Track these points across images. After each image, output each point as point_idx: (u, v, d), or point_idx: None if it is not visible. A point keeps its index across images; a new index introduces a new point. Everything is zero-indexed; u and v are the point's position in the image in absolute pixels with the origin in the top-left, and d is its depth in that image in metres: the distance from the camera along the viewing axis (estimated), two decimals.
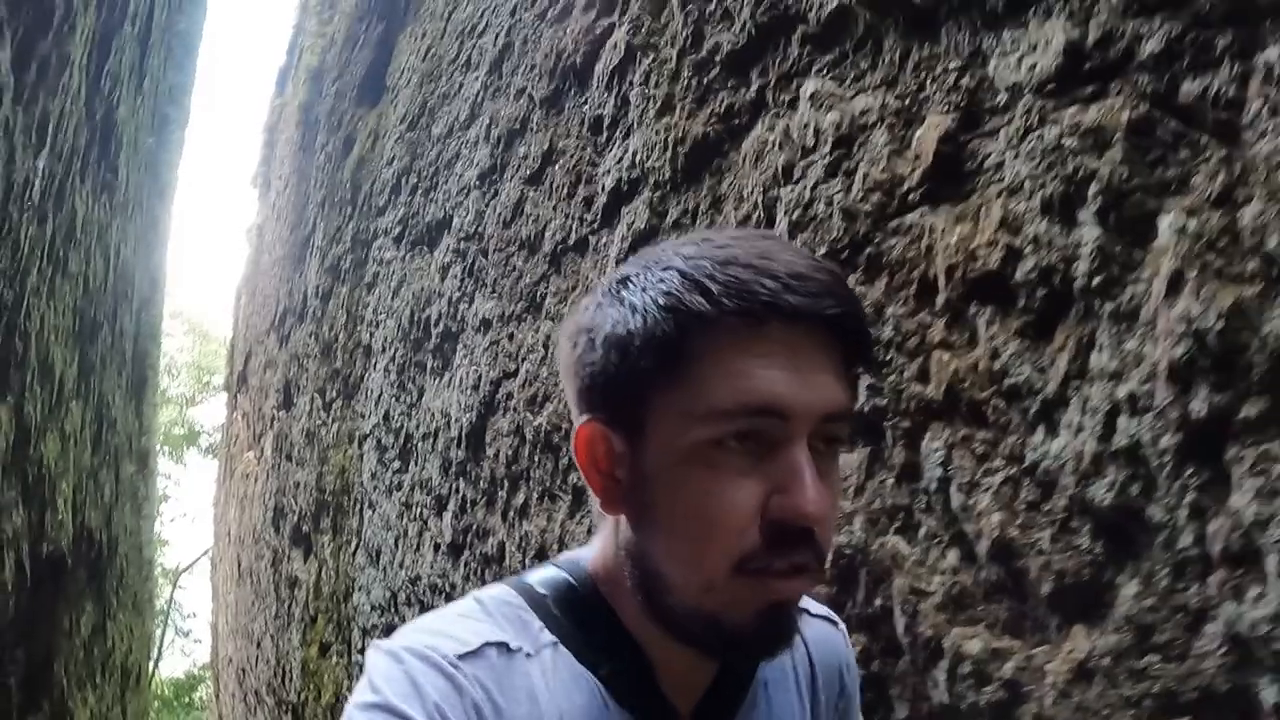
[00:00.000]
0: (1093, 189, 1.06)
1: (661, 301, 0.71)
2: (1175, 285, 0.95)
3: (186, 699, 16.72)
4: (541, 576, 0.84)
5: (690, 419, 0.71)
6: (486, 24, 3.50)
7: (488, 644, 0.74)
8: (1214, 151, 0.93)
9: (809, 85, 1.60)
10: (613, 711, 0.76)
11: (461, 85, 3.67)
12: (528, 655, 0.75)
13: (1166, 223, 0.96)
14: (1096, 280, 1.06)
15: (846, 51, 1.53)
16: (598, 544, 0.84)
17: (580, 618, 0.79)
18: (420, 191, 4.01)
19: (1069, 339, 1.09)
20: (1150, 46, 1.01)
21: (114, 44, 5.78)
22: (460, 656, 0.72)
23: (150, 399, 8.66)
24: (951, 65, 1.31)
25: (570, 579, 0.82)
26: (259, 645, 6.79)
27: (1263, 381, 0.87)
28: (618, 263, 2.28)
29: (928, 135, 1.32)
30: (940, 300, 1.30)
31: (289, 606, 5.95)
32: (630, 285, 0.75)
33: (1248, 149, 0.90)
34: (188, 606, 19.29)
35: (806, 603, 0.94)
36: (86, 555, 6.12)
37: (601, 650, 0.78)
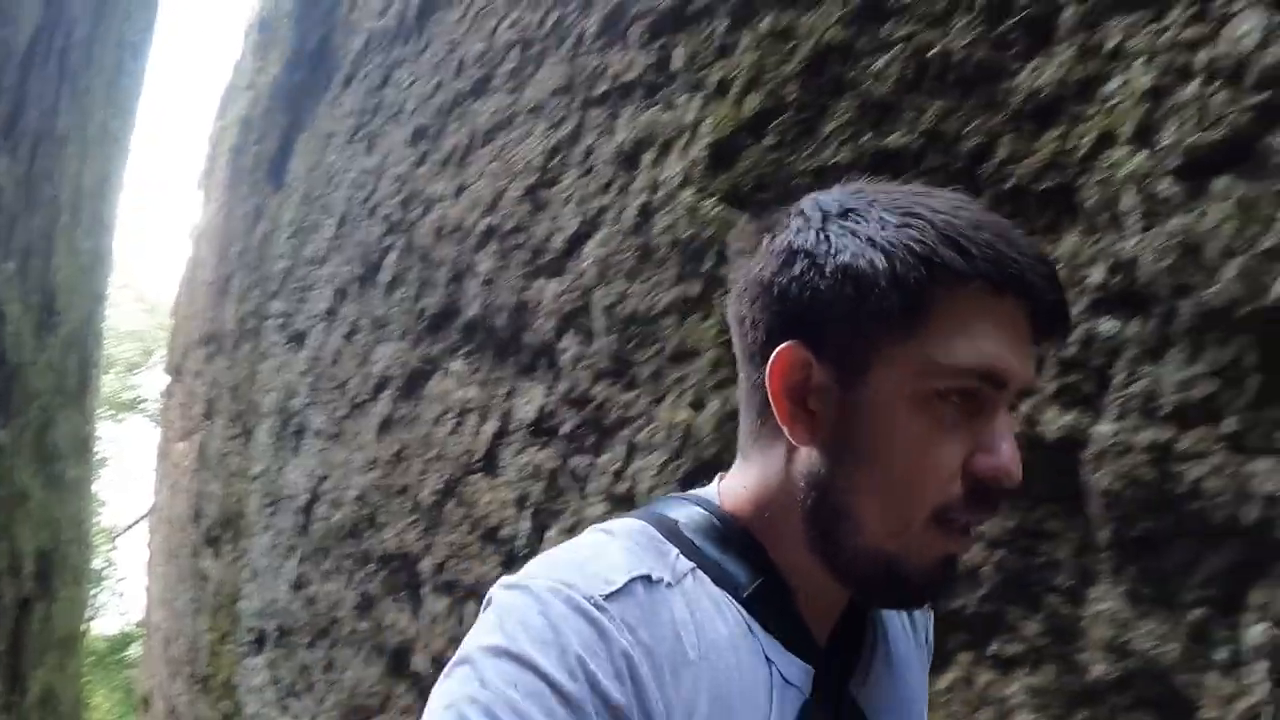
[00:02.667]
0: None
1: (915, 248, 0.71)
2: None
3: (119, 656, 17.29)
4: (670, 506, 0.82)
5: (925, 369, 0.71)
6: (337, 185, 4.56)
7: (633, 579, 0.70)
8: None
9: None
10: (757, 635, 0.74)
11: (320, 226, 4.73)
12: (669, 585, 0.72)
13: None
14: None
15: None
16: (743, 480, 0.81)
17: (718, 543, 0.77)
18: (295, 296, 5.07)
19: None
20: None
21: None
22: (606, 597, 0.68)
23: (92, 365, 9.44)
24: None
25: (702, 509, 0.80)
26: (180, 621, 7.94)
27: None
28: None
29: None
30: None
31: (200, 594, 7.08)
32: (862, 220, 0.74)
33: None
34: (124, 568, 19.84)
35: None
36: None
37: (741, 574, 0.76)
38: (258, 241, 6.37)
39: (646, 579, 0.72)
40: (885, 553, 0.73)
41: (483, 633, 0.69)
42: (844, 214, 0.75)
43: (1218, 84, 1.42)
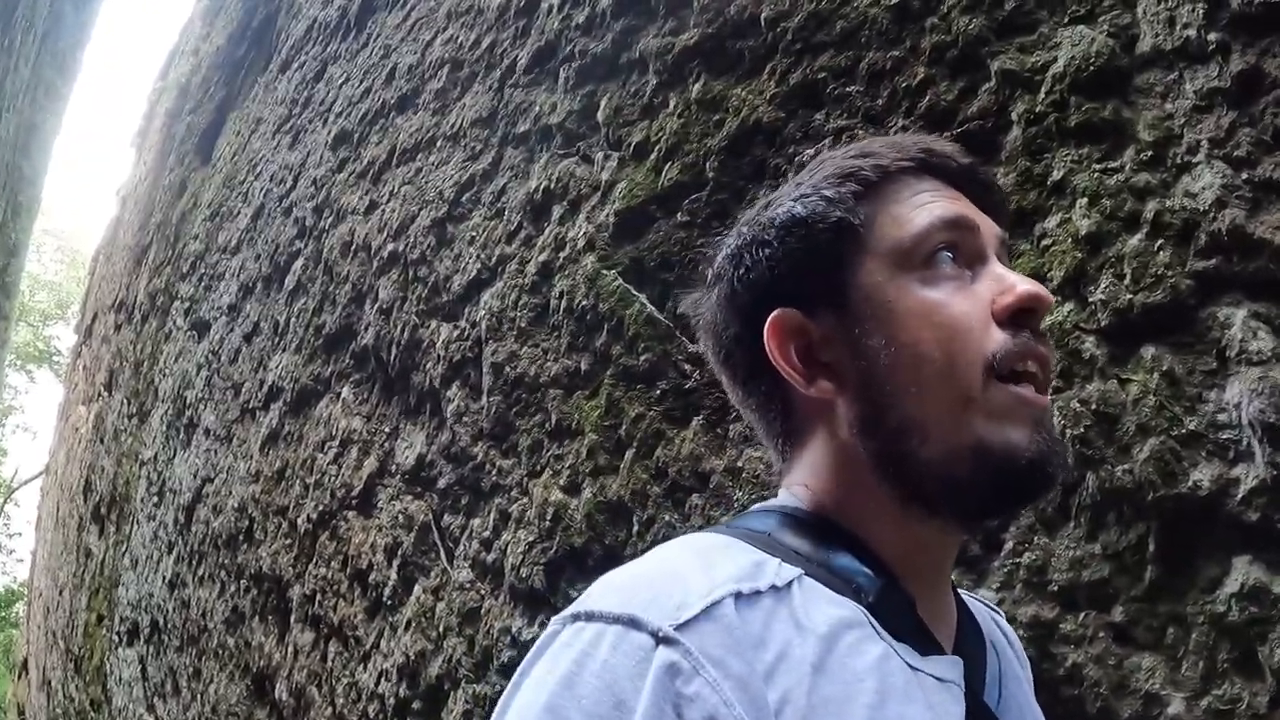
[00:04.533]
0: None
1: (832, 178, 0.73)
2: None
3: (2, 614, 16.79)
4: (751, 519, 0.73)
5: (895, 254, 0.70)
6: (259, 175, 4.36)
7: (717, 600, 0.59)
8: None
9: None
10: (889, 642, 0.64)
11: (237, 214, 4.52)
12: (775, 593, 0.62)
13: None
14: None
15: None
16: (801, 479, 0.74)
17: (819, 544, 0.69)
18: (204, 284, 4.85)
19: None
20: None
21: None
22: (680, 626, 0.57)
23: (2, 316, 9.14)
24: None
25: (791, 514, 0.72)
26: (61, 593, 7.61)
27: None
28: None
29: None
30: None
31: (83, 571, 6.79)
32: (776, 201, 0.76)
33: None
34: (18, 522, 19.30)
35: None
36: None
37: (858, 574, 0.67)
38: (178, 216, 6.12)
39: (737, 594, 0.61)
40: (966, 440, 0.67)
41: (530, 688, 0.59)
42: (765, 207, 0.78)
43: (1163, 241, 1.34)
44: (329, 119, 3.81)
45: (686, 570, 0.63)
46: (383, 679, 2.68)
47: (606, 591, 0.62)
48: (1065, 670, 1.26)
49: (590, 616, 0.60)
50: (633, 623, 0.58)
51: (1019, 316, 0.69)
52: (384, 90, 3.42)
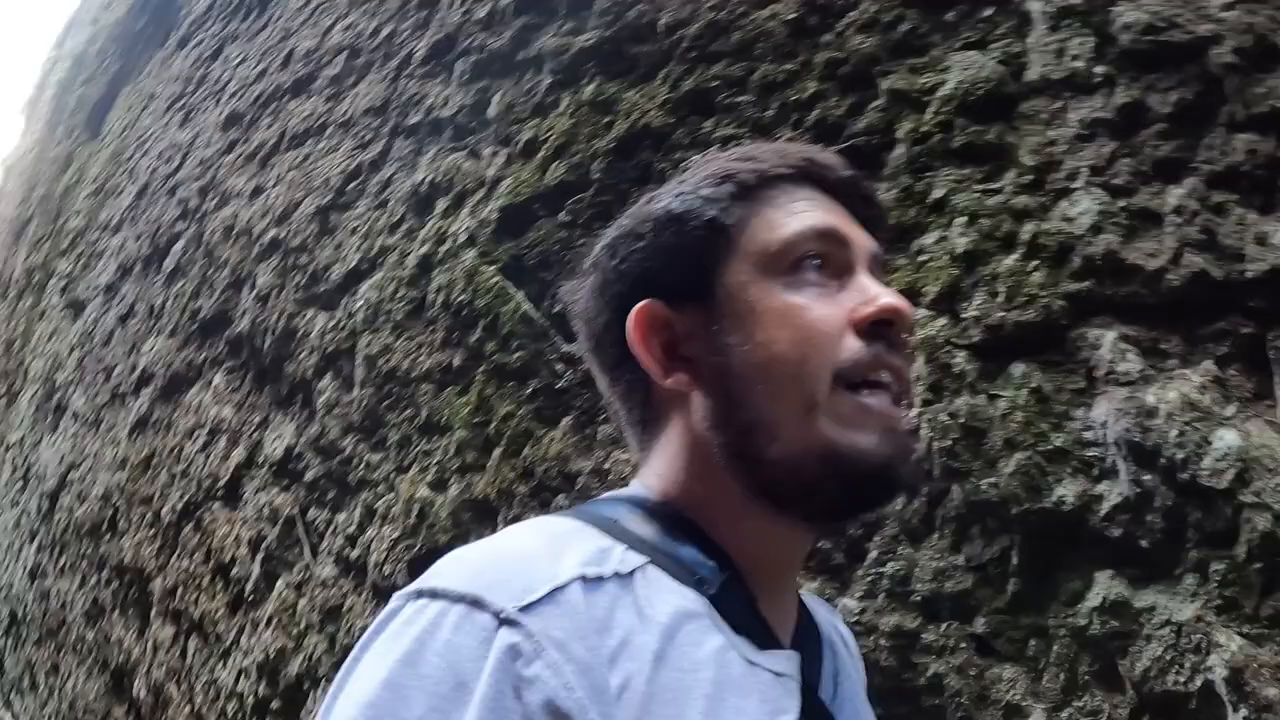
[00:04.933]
0: None
1: (711, 178, 0.75)
2: None
3: None
4: (601, 506, 0.74)
5: (763, 257, 0.71)
6: (146, 152, 4.20)
7: (564, 583, 0.59)
8: None
9: None
10: (728, 634, 0.65)
11: (121, 191, 4.35)
12: (618, 582, 0.62)
13: None
14: None
15: None
16: (654, 470, 0.75)
17: (665, 533, 0.69)
18: (81, 262, 4.65)
19: None
20: None
21: None
22: (525, 608, 0.57)
23: None
24: None
25: (640, 503, 0.73)
26: None
27: None
28: None
29: None
30: None
31: None
32: (657, 196, 0.78)
33: None
34: None
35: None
36: None
37: (700, 564, 0.68)
38: (61, 190, 5.86)
39: (582, 579, 0.61)
40: (813, 442, 0.67)
41: (370, 664, 0.57)
42: (648, 201, 0.78)
43: (1039, 262, 1.36)
44: (222, 99, 3.70)
45: (533, 553, 0.62)
46: (242, 677, 2.59)
47: (452, 569, 0.61)
48: (927, 680, 1.27)
49: (434, 594, 0.59)
50: (476, 603, 0.58)
51: (876, 327, 0.69)
52: (280, 73, 3.33)
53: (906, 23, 1.69)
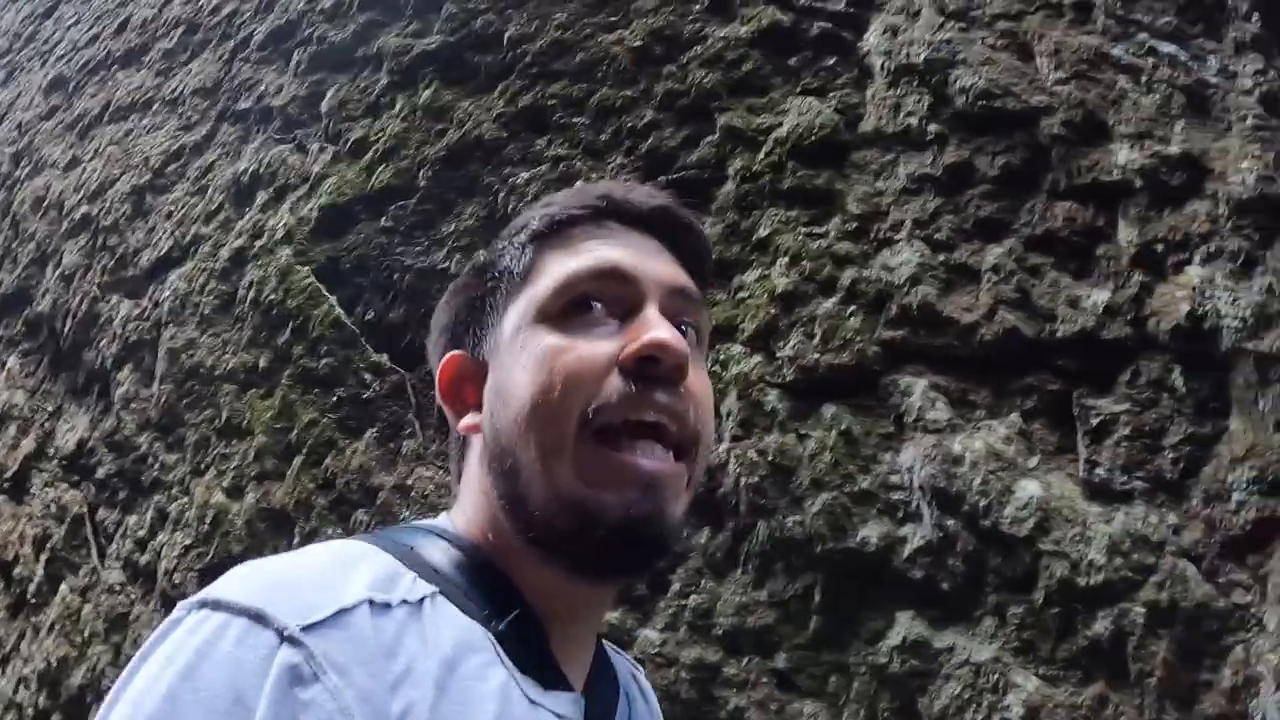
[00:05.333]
0: None
1: (512, 228, 0.77)
2: None
3: None
4: (403, 533, 0.72)
5: (540, 300, 0.70)
6: None
7: (351, 606, 0.57)
8: None
9: None
10: (512, 672, 0.63)
11: None
12: (407, 608, 0.60)
13: None
14: None
15: None
16: (461, 506, 0.75)
17: (460, 569, 0.68)
18: None
19: None
20: None
21: None
22: (308, 627, 0.55)
23: None
24: None
25: (439, 534, 0.71)
26: None
27: None
28: None
29: None
30: None
31: None
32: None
33: None
34: None
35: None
36: None
37: (490, 604, 0.66)
38: None
39: (370, 603, 0.58)
40: (561, 492, 0.64)
41: (148, 675, 0.54)
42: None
43: (856, 307, 1.38)
44: (49, 61, 3.46)
45: (323, 572, 0.60)
46: (22, 686, 2.42)
47: (238, 582, 0.58)
48: (727, 713, 1.27)
49: (218, 605, 0.55)
50: (259, 618, 0.55)
51: (643, 365, 0.66)
52: (112, 40, 3.14)
53: (750, 62, 1.71)
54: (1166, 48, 1.43)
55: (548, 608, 0.69)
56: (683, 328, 0.71)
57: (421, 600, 0.61)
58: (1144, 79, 1.40)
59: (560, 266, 0.71)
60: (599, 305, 0.69)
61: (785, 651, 1.27)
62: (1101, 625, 1.11)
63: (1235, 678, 1.02)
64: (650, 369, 0.66)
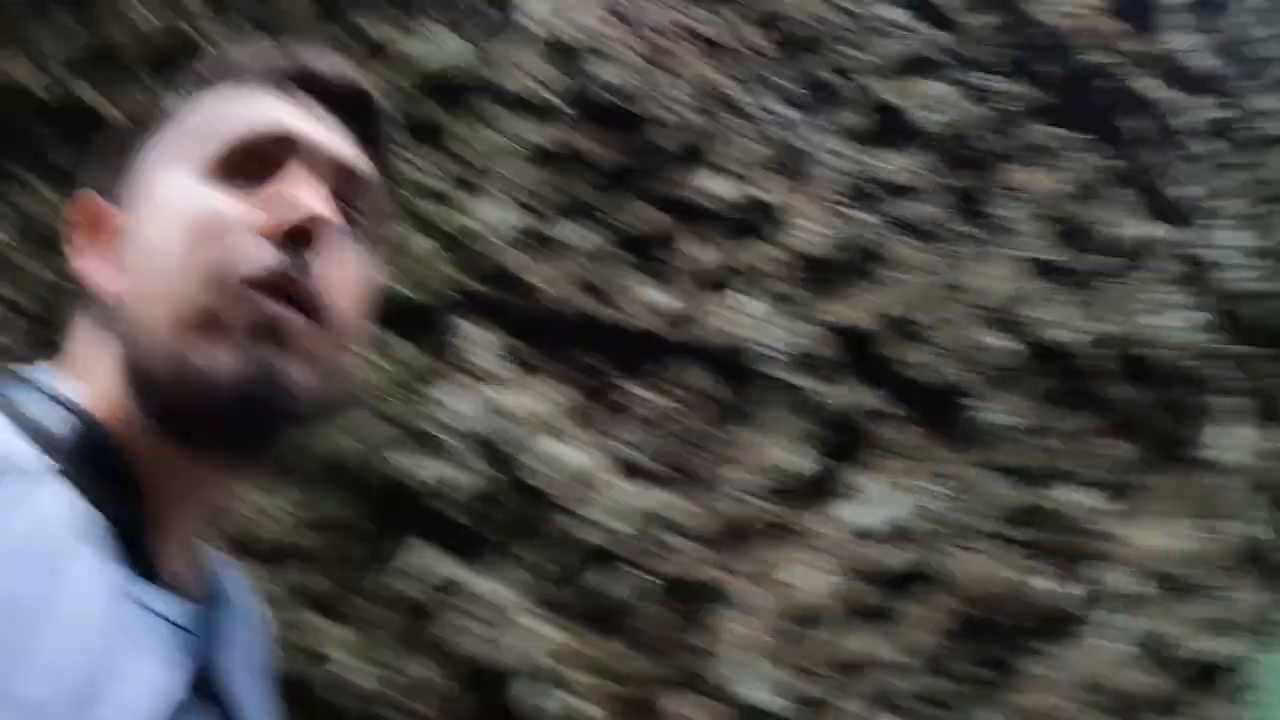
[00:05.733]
0: None
1: (192, 73, 0.72)
2: None
3: None
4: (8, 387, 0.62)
5: (190, 146, 0.65)
6: None
7: None
8: None
9: None
10: (119, 567, 0.55)
11: None
12: (15, 477, 0.52)
13: None
14: None
15: None
16: (79, 364, 0.65)
17: (78, 441, 0.59)
18: None
19: None
20: None
21: None
22: None
23: None
24: None
25: (47, 392, 0.61)
26: None
27: None
28: None
29: None
30: None
31: None
32: None
33: None
34: None
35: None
36: None
37: (105, 488, 0.58)
38: None
39: None
40: (175, 350, 0.58)
41: None
42: None
43: (443, 249, 1.38)
44: None
45: None
46: None
47: None
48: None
49: None
50: None
51: (290, 235, 0.61)
52: None
53: None
54: (790, 112, 1.61)
55: (163, 494, 0.63)
56: (351, 216, 0.67)
57: (43, 475, 0.54)
58: (756, 129, 1.57)
59: (226, 123, 0.67)
60: (256, 166, 0.65)
61: (320, 574, 1.29)
62: (619, 588, 1.32)
63: (715, 643, 1.29)
64: (285, 229, 0.62)
